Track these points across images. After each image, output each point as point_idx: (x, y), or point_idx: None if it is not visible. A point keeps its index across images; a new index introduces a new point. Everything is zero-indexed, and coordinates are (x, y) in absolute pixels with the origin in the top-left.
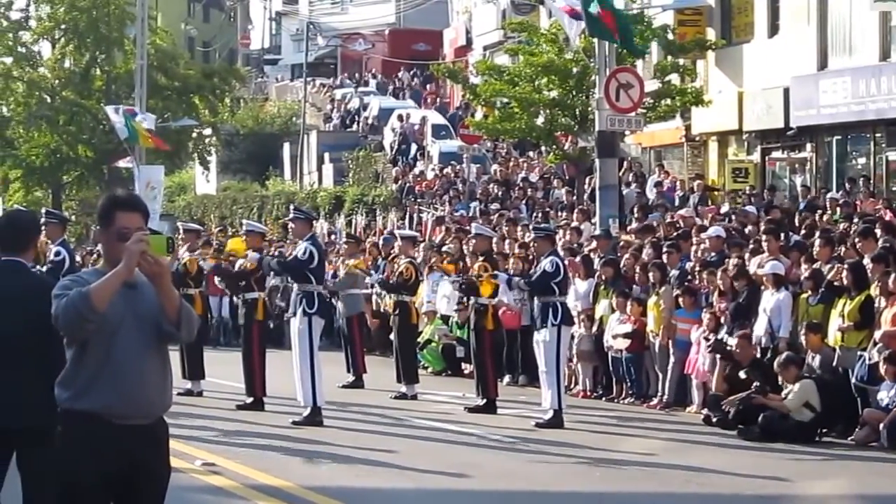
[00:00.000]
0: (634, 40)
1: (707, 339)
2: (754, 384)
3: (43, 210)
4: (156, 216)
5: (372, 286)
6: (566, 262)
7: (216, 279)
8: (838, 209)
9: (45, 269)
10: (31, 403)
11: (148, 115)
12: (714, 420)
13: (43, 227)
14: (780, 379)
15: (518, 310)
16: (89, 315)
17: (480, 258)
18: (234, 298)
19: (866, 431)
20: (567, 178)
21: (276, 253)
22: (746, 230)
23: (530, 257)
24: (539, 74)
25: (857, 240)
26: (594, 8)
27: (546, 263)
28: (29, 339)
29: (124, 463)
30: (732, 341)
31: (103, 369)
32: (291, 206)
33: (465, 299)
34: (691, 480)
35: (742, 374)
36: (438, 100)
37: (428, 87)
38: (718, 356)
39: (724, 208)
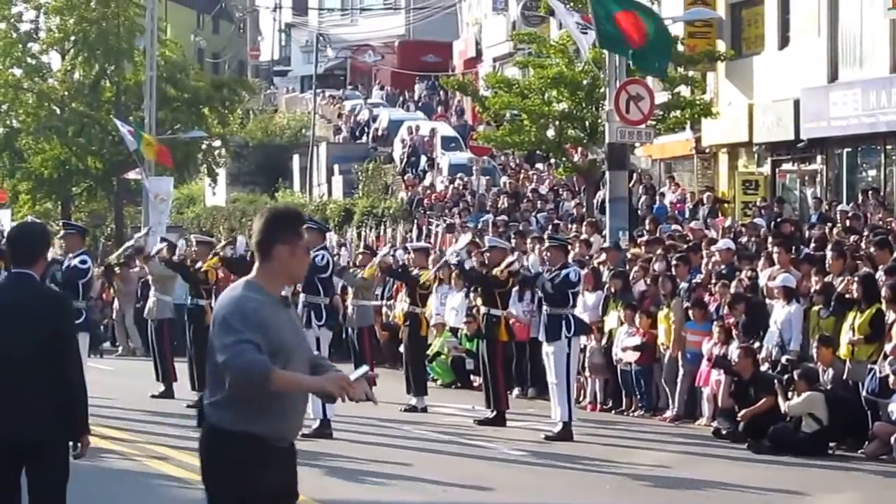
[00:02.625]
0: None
1: (716, 354)
2: (776, 379)
3: (62, 222)
4: (164, 228)
5: (381, 298)
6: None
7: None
8: (848, 221)
9: (63, 270)
10: (39, 416)
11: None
12: (724, 433)
13: (62, 240)
14: (788, 393)
15: (528, 321)
16: (260, 391)
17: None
18: None
19: (876, 445)
20: (578, 188)
21: None
22: (752, 241)
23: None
24: (549, 86)
25: (872, 249)
26: (607, 22)
27: (571, 272)
28: (37, 351)
29: (281, 482)
30: (736, 354)
31: (277, 396)
32: (306, 217)
33: (475, 311)
34: (701, 493)
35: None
36: (448, 118)
37: (440, 108)
38: (722, 371)
39: (728, 222)
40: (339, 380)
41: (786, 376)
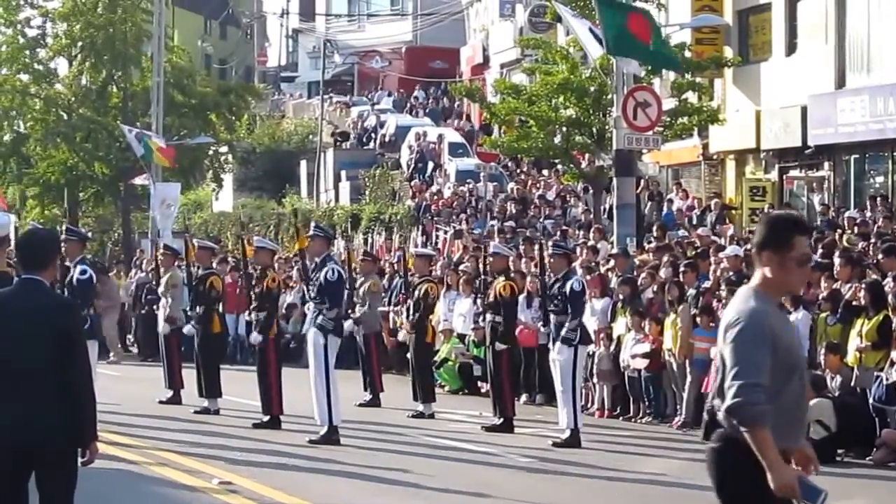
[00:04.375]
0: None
1: None
2: None
3: (64, 227)
4: (169, 233)
5: (392, 304)
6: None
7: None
8: (855, 228)
9: (73, 286)
10: (48, 423)
11: (159, 137)
12: None
13: (63, 244)
14: None
15: (536, 328)
16: (747, 425)
17: (501, 277)
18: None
19: (884, 452)
20: (586, 188)
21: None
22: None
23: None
24: (555, 93)
25: (880, 256)
26: (616, 25)
27: (574, 283)
28: (46, 357)
29: None
30: None
31: (797, 414)
32: (312, 224)
33: (482, 318)
34: (709, 500)
35: None
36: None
37: (449, 119)
38: None
39: (731, 230)
40: (790, 489)
41: None
